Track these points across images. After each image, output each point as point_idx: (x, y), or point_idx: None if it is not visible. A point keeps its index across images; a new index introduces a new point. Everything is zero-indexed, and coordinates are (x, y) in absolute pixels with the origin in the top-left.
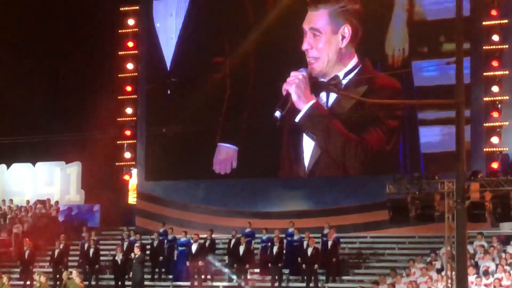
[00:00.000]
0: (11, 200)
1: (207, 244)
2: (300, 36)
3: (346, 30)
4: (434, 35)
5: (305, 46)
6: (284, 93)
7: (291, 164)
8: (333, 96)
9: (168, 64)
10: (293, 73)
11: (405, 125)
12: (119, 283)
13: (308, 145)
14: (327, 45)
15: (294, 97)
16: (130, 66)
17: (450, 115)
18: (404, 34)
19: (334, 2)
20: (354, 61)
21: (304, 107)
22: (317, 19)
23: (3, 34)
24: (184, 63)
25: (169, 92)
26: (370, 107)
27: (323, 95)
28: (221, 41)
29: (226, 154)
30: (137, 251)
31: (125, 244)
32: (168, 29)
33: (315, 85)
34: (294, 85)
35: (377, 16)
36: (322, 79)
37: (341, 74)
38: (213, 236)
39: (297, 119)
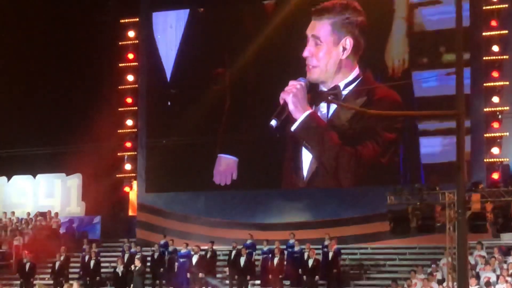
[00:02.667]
0: (12, 212)
1: (208, 255)
2: (300, 44)
3: (348, 42)
4: (434, 46)
5: (305, 53)
6: (281, 102)
7: (291, 175)
8: (333, 106)
9: (168, 75)
10: (291, 82)
11: (405, 136)
12: None
13: (306, 155)
14: (327, 55)
15: (290, 106)
16: (130, 78)
17: (450, 126)
18: (404, 45)
19: (338, 13)
20: (356, 72)
21: (300, 117)
22: (320, 28)
23: (2, 45)
24: (184, 74)
25: (169, 103)
26: (369, 119)
27: (323, 105)
28: (221, 52)
29: (226, 165)
30: (137, 263)
31: (126, 256)
32: (168, 41)
33: (315, 95)
34: (291, 94)
35: (378, 28)
36: (322, 88)
37: (341, 85)
38: (214, 247)
39: (292, 128)
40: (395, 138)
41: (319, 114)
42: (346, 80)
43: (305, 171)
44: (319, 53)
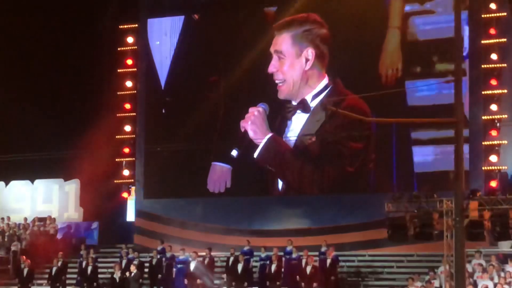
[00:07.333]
0: (8, 217)
1: (205, 262)
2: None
3: (310, 52)
4: (427, 55)
5: (271, 69)
6: (242, 130)
7: (273, 184)
8: (300, 122)
9: (163, 83)
10: (250, 109)
11: (398, 145)
12: None
13: None
14: (291, 68)
15: (250, 134)
16: (129, 83)
17: (443, 135)
18: (397, 54)
19: (298, 26)
20: (325, 81)
21: (261, 143)
22: (281, 42)
23: (1, 52)
24: (178, 82)
25: (163, 111)
26: (334, 130)
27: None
28: (215, 60)
29: (220, 173)
30: (133, 269)
31: (124, 262)
32: (163, 49)
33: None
34: (249, 121)
35: (346, 37)
36: (293, 102)
37: (309, 97)
38: (211, 254)
39: (255, 155)
40: (362, 147)
41: (286, 134)
42: (313, 92)
43: (279, 182)
44: (283, 67)
